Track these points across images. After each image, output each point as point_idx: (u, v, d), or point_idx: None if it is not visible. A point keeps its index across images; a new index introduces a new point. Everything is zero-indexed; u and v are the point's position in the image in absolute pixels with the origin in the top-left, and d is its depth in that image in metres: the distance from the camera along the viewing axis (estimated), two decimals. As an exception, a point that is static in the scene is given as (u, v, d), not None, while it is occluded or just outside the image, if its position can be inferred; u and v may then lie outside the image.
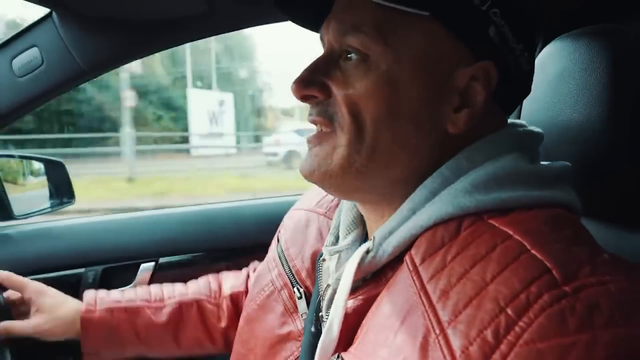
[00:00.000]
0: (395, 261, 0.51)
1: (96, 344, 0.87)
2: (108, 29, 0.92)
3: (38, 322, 0.86)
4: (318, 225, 0.72)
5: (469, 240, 0.45)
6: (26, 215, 1.29)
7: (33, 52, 0.95)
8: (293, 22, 0.62)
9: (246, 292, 0.94)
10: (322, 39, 0.57)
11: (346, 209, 0.65)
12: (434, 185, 0.51)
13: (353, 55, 0.51)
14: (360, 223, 0.63)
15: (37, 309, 0.87)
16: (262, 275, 0.75)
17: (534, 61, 0.56)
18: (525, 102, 0.78)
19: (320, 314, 0.59)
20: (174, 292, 0.94)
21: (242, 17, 0.91)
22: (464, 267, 0.43)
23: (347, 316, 0.51)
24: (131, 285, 1.22)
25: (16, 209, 1.25)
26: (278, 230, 0.81)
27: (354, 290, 0.52)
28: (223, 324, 0.93)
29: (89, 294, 0.92)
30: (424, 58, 0.50)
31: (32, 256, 1.15)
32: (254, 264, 1.01)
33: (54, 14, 0.94)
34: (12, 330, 0.84)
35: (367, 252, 0.52)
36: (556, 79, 0.71)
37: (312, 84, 0.54)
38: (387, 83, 0.50)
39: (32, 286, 0.88)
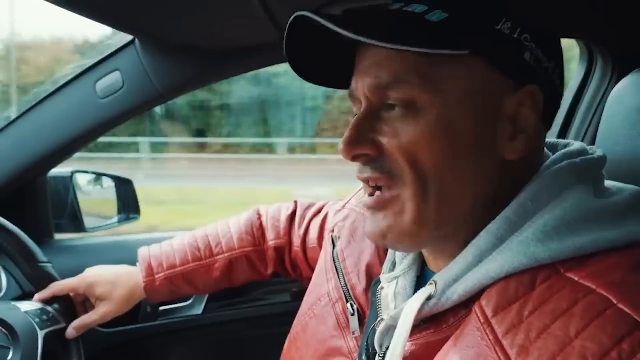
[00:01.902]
0: (458, 307, 0.50)
1: (160, 299, 1.01)
2: (185, 55, 0.98)
3: (103, 310, 0.94)
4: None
5: (546, 296, 0.43)
6: (95, 228, 1.37)
7: (115, 76, 1.02)
8: (315, 83, 0.61)
9: (289, 242, 1.02)
10: (351, 95, 0.57)
11: None
12: (500, 231, 0.49)
13: (397, 105, 0.51)
14: None
15: (96, 299, 0.95)
16: (319, 283, 0.76)
17: (563, 75, 0.56)
18: (599, 134, 0.76)
19: (372, 345, 0.59)
20: (222, 246, 1.01)
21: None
22: (543, 322, 0.41)
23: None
24: (190, 300, 1.26)
25: (87, 222, 1.33)
26: (330, 228, 0.81)
27: (411, 330, 0.51)
28: (269, 270, 1.03)
29: (143, 259, 0.98)
30: (471, 94, 0.50)
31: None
32: (301, 207, 1.04)
33: (136, 40, 1.01)
34: (86, 323, 0.92)
35: (429, 297, 0.51)
36: (635, 112, 0.68)
37: (361, 142, 0.52)
38: (440, 126, 0.49)
39: (82, 284, 0.94)
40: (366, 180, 0.55)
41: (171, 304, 1.26)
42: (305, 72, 0.59)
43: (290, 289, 1.32)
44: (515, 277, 0.46)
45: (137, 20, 0.90)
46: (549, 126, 0.57)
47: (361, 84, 0.54)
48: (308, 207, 1.04)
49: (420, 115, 0.50)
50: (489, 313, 0.45)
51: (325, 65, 0.59)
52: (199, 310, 1.26)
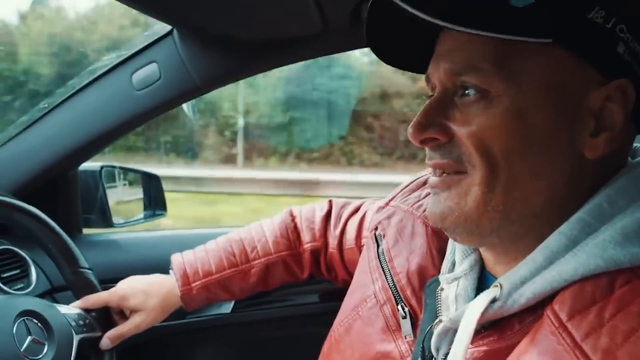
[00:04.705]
0: (524, 312, 0.48)
1: (196, 307, 0.99)
2: (225, 47, 0.96)
3: (139, 320, 0.93)
4: (426, 240, 0.68)
5: (628, 298, 0.41)
6: (123, 224, 1.36)
7: (152, 68, 1.00)
8: (394, 66, 0.60)
9: (324, 244, 0.99)
10: (428, 79, 0.55)
11: None
12: (574, 232, 0.47)
13: (471, 91, 0.49)
14: (476, 247, 0.60)
15: (130, 311, 0.93)
16: (363, 284, 0.73)
17: None
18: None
19: (429, 349, 0.56)
20: (258, 251, 0.98)
21: (356, 37, 0.91)
22: (629, 325, 0.39)
23: None
24: (219, 300, 1.24)
25: (115, 217, 1.32)
26: (371, 227, 0.78)
27: (473, 337, 0.49)
28: (305, 274, 1.01)
29: (179, 268, 0.96)
30: (549, 85, 0.47)
31: (125, 262, 1.20)
32: (337, 206, 1.01)
33: (174, 31, 0.99)
34: (121, 333, 0.91)
35: (493, 300, 0.49)
36: None
37: (430, 126, 0.51)
38: (512, 115, 0.47)
39: (114, 297, 0.93)
40: (435, 167, 0.54)
41: (200, 302, 1.24)
42: (386, 54, 0.58)
43: (320, 290, 1.29)
44: (591, 280, 0.44)
45: (177, 10, 0.88)
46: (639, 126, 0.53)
47: (437, 68, 0.52)
48: (344, 206, 1.01)
49: (494, 103, 0.48)
50: (563, 317, 0.43)
51: (407, 47, 0.57)
52: (227, 309, 1.23)
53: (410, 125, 0.52)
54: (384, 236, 0.74)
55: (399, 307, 0.65)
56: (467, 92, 0.50)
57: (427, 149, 0.54)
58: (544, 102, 0.48)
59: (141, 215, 1.42)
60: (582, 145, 0.48)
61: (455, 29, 0.45)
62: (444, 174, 0.53)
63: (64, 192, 1.17)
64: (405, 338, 0.63)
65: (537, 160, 0.48)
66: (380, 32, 0.55)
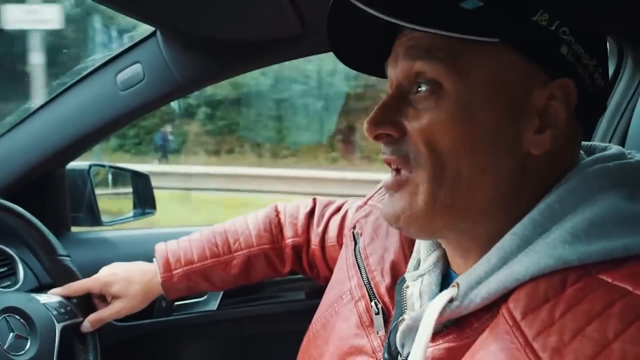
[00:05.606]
0: (482, 311, 0.49)
1: (177, 295, 1.01)
2: (207, 48, 0.97)
3: (119, 307, 0.94)
4: (400, 239, 0.70)
5: (579, 297, 0.42)
6: (112, 222, 1.37)
7: (136, 68, 1.02)
8: (358, 70, 0.62)
9: (306, 240, 1.01)
10: (389, 75, 0.57)
11: None
12: (526, 233, 0.48)
13: (423, 87, 0.51)
14: (440, 245, 0.61)
15: (112, 297, 0.95)
16: (340, 280, 0.75)
17: (608, 77, 0.54)
18: (630, 136, 0.74)
19: (395, 344, 0.58)
20: (240, 243, 1.00)
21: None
22: (577, 324, 0.40)
23: None
24: (205, 296, 1.25)
25: (103, 216, 1.33)
26: (351, 226, 0.80)
27: (433, 336, 0.51)
28: (287, 268, 1.03)
29: (161, 255, 0.98)
30: (497, 82, 0.49)
31: (114, 260, 1.19)
32: (320, 205, 1.03)
33: (158, 32, 1.00)
34: (101, 318, 0.92)
35: (451, 300, 0.50)
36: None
37: (384, 122, 0.53)
38: (460, 110, 0.49)
39: (97, 284, 0.94)
40: (387, 163, 0.55)
41: (186, 299, 1.25)
42: (348, 58, 0.60)
43: (305, 286, 1.31)
44: (544, 279, 0.45)
45: (160, 12, 0.89)
46: (588, 127, 0.55)
47: (395, 62, 0.54)
48: (327, 205, 1.03)
49: (444, 98, 0.50)
50: (517, 316, 0.44)
51: (368, 50, 0.58)
52: (214, 306, 1.25)
53: (366, 121, 0.54)
54: (361, 234, 0.76)
55: (373, 303, 0.66)
56: (420, 88, 0.51)
57: (382, 145, 0.55)
58: (491, 99, 0.49)
59: (131, 214, 1.43)
60: (527, 141, 0.50)
61: (409, 27, 0.48)
62: (396, 176, 0.54)
63: (52, 191, 1.18)
64: (378, 333, 0.64)
65: (483, 155, 0.50)
66: (342, 34, 0.56)
